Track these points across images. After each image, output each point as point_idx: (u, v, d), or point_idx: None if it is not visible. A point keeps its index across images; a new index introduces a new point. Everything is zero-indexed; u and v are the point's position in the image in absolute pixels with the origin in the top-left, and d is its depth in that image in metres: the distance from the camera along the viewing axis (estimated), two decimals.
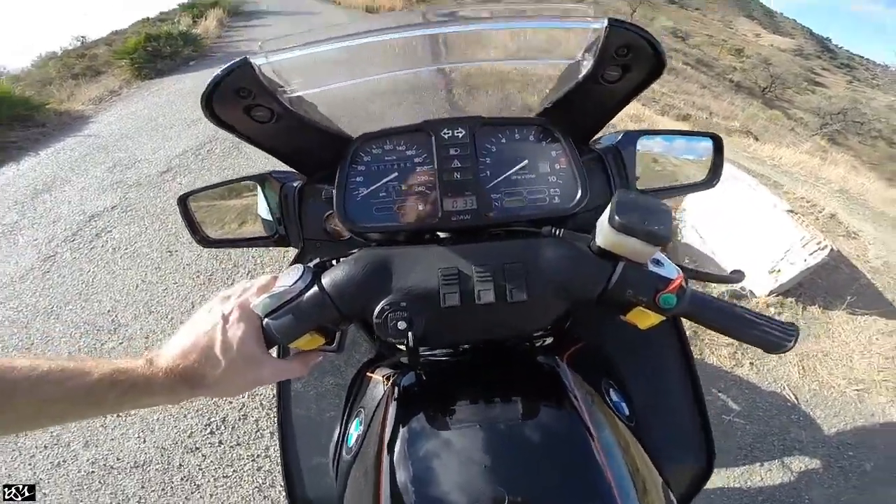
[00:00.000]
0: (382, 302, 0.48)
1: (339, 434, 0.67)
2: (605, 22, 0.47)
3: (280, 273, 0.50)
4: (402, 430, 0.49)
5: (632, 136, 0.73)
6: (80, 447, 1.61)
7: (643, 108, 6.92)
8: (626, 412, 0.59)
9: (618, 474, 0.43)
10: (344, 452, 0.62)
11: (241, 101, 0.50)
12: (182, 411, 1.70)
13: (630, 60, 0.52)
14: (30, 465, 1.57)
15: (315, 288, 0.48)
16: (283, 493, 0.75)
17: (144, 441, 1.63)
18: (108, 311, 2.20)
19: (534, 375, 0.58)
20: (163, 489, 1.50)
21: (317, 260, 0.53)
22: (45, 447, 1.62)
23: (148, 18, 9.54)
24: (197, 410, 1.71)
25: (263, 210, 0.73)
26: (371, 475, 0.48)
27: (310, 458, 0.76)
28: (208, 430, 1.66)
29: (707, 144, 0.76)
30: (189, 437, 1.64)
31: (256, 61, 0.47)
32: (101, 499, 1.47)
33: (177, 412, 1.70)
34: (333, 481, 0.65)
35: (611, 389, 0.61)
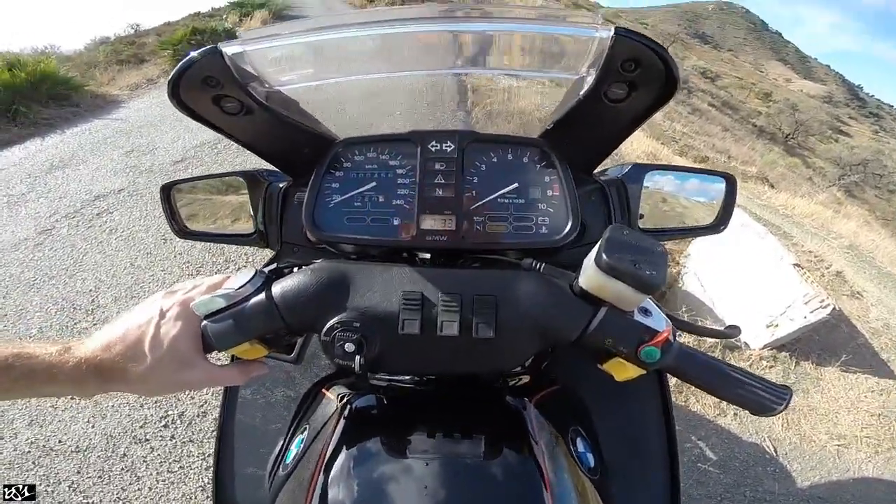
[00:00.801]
0: (334, 319, 0.44)
1: (281, 448, 0.65)
2: (612, 31, 0.42)
3: (232, 274, 0.48)
4: (342, 454, 0.46)
5: (640, 171, 0.67)
6: (22, 426, 1.59)
7: (662, 146, 6.90)
8: (591, 464, 0.56)
9: None
10: (280, 468, 0.60)
11: (209, 90, 0.48)
12: (140, 401, 1.68)
13: (637, 77, 0.46)
14: None
15: (262, 295, 0.45)
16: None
17: (93, 426, 1.60)
18: (91, 290, 2.21)
19: (497, 416, 0.55)
20: (99, 477, 1.46)
21: (273, 265, 0.51)
22: None
23: (199, 13, 10.05)
24: (155, 402, 1.68)
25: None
26: (300, 496, 0.45)
27: (245, 467, 0.73)
28: (163, 423, 1.63)
29: (720, 186, 0.71)
30: (141, 427, 1.61)
31: (228, 50, 0.45)
32: (31, 480, 1.43)
33: (134, 401, 1.68)
34: (266, 494, 0.63)
35: (578, 438, 0.58)
